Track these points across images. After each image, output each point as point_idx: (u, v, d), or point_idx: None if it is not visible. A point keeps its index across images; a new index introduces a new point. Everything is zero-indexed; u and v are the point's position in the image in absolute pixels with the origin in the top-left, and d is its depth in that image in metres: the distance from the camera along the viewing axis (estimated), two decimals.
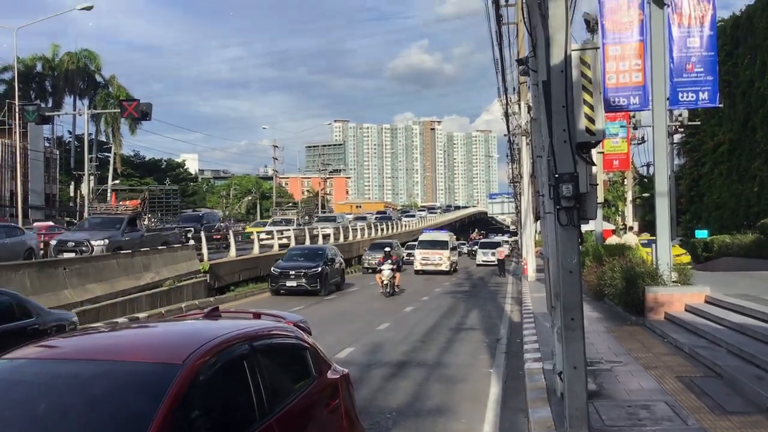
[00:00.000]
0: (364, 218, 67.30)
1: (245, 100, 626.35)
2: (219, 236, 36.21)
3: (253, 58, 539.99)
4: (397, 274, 27.11)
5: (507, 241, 71.46)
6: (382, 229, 58.13)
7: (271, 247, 33.83)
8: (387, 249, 28.20)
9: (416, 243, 43.71)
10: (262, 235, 34.36)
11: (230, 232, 33.34)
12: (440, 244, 41.50)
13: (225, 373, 4.08)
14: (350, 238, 47.73)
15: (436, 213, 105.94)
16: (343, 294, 27.58)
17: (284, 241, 36.36)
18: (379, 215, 79.57)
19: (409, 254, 45.91)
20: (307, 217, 66.06)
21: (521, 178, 39.39)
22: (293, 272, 26.29)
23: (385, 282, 26.02)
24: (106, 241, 22.90)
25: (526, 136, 31.42)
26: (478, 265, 49.94)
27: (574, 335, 7.07)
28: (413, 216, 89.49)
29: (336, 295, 27.06)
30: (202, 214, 44.68)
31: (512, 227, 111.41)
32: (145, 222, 33.67)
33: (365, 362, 12.71)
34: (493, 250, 47.52)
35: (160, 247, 24.78)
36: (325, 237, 43.04)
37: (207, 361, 3.92)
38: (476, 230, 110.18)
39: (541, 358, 11.27)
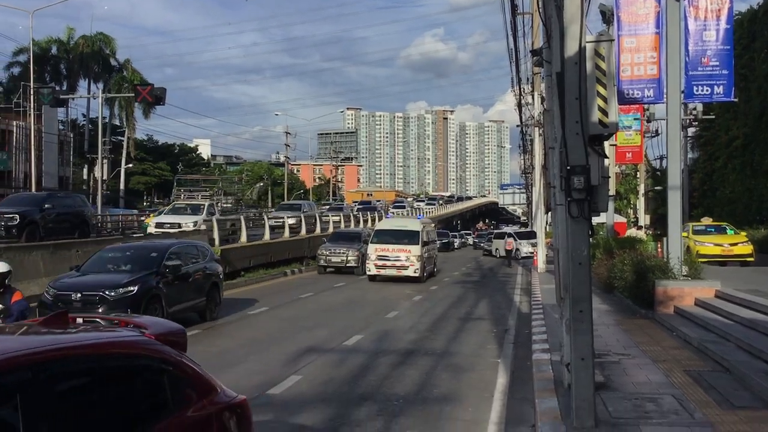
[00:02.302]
0: (340, 208, 58.62)
1: (258, 86, 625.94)
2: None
3: (267, 45, 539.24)
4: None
5: (513, 233, 70.72)
6: (365, 221, 49.38)
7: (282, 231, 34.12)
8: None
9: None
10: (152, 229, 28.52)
11: (241, 217, 33.45)
12: (407, 237, 27.73)
13: None
14: (317, 230, 38.63)
15: (434, 204, 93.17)
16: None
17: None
18: (362, 205, 70.65)
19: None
20: (228, 203, 54.51)
21: (533, 170, 39.27)
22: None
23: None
24: (196, 222, 28.59)
25: (538, 127, 31.32)
26: (501, 256, 47.52)
27: (582, 327, 7.09)
28: (403, 206, 78.33)
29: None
30: (301, 203, 47.51)
31: (523, 218, 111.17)
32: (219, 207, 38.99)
33: (373, 350, 12.79)
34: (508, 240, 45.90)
35: (171, 231, 25.01)
36: (275, 228, 34.01)
37: None
38: (482, 221, 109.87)
39: (550, 349, 11.30)
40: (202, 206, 31.45)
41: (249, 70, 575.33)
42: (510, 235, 48.22)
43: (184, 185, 61.12)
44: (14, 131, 57.44)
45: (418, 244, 27.42)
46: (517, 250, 45.90)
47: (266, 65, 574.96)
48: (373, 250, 27.34)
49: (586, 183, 6.97)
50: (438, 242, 42.45)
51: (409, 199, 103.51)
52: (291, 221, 35.93)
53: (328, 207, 61.67)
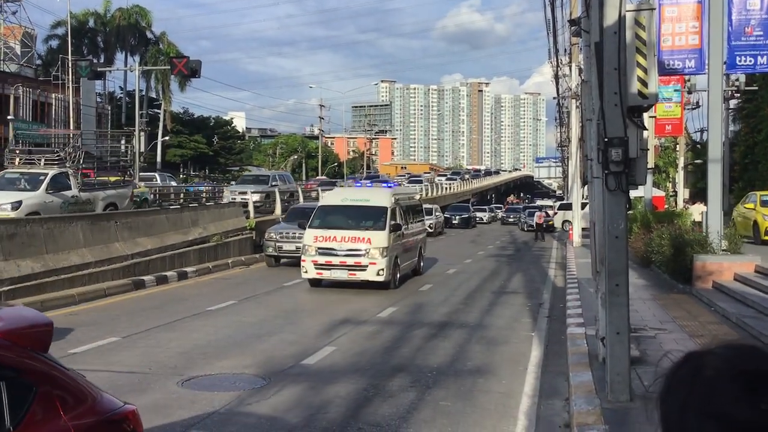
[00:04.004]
0: (333, 183, 51.57)
1: (293, 59, 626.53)
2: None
3: (302, 17, 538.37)
4: None
5: (551, 206, 68.83)
6: None
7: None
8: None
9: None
10: None
11: (276, 190, 33.60)
12: (367, 217, 17.67)
13: None
14: (277, 212, 29.28)
15: (455, 179, 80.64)
16: None
17: None
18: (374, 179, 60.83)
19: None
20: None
21: (569, 142, 38.79)
22: None
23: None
24: (261, 194, 29.83)
25: (575, 99, 30.86)
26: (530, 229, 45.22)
27: (618, 301, 7.03)
28: (420, 181, 64.77)
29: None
30: (269, 174, 40.20)
31: (558, 192, 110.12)
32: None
33: (406, 322, 12.84)
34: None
35: (208, 204, 25.28)
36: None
37: None
38: (513, 195, 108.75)
39: (584, 324, 11.23)
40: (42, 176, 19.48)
41: (284, 43, 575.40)
42: (541, 208, 47.65)
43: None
44: (53, 104, 58.28)
45: (384, 228, 16.90)
46: (551, 224, 45.30)
47: (301, 37, 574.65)
48: (312, 238, 16.89)
49: (624, 155, 6.86)
50: (437, 219, 39.87)
51: (428, 173, 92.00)
52: (255, 197, 29.53)
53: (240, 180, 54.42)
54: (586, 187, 17.05)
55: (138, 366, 9.14)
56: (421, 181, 64.60)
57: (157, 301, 14.88)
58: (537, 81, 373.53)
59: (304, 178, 79.79)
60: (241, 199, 29.92)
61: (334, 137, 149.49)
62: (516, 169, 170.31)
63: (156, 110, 69.04)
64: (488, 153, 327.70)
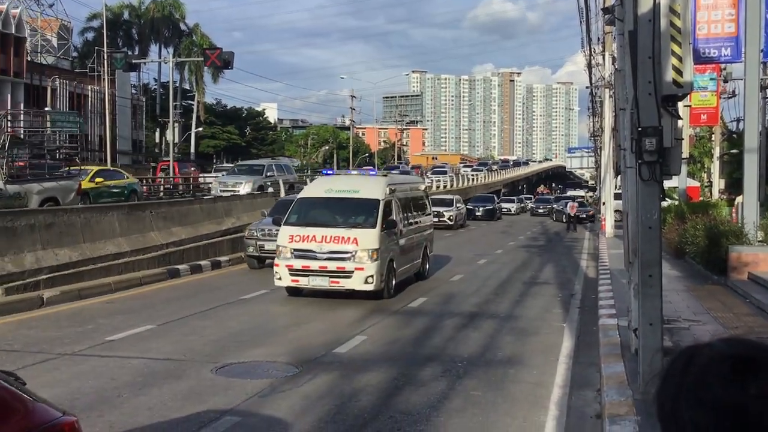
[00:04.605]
0: (444, 171, 53.73)
1: (325, 50, 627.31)
2: None
3: (333, 7, 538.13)
4: None
5: (583, 196, 67.82)
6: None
7: None
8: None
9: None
10: None
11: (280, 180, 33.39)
12: (355, 211, 14.68)
13: None
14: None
15: (482, 170, 77.36)
16: None
17: None
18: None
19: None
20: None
21: (602, 132, 38.36)
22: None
23: None
24: (254, 185, 27.91)
25: (609, 89, 30.49)
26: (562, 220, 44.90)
27: (651, 292, 6.99)
28: (444, 172, 63.38)
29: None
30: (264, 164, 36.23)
31: (591, 182, 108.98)
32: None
33: (437, 312, 12.88)
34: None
35: (241, 194, 25.61)
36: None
37: None
38: (543, 185, 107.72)
39: (616, 315, 11.16)
40: None
41: (315, 34, 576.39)
42: (574, 198, 47.15)
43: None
44: (89, 95, 59.12)
45: (375, 226, 13.93)
46: (591, 215, 44.85)
47: (332, 28, 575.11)
48: (286, 238, 14.00)
49: (658, 145, 6.79)
50: (459, 211, 37.45)
51: (454, 164, 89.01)
52: (246, 190, 27.13)
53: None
54: (619, 177, 16.89)
55: (173, 353, 9.31)
56: (445, 172, 62.72)
57: (192, 290, 15.10)
58: (569, 70, 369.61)
59: (335, 168, 79.99)
60: (231, 192, 26.49)
61: (365, 128, 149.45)
62: (547, 160, 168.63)
63: (190, 101, 69.69)
64: (520, 143, 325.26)
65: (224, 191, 27.07)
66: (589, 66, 36.52)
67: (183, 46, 65.47)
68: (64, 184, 19.58)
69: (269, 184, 28.49)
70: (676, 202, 23.77)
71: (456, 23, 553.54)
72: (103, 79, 48.16)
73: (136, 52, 62.67)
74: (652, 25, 6.85)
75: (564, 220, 43.29)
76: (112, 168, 27.16)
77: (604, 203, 34.72)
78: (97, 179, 22.55)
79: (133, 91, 66.60)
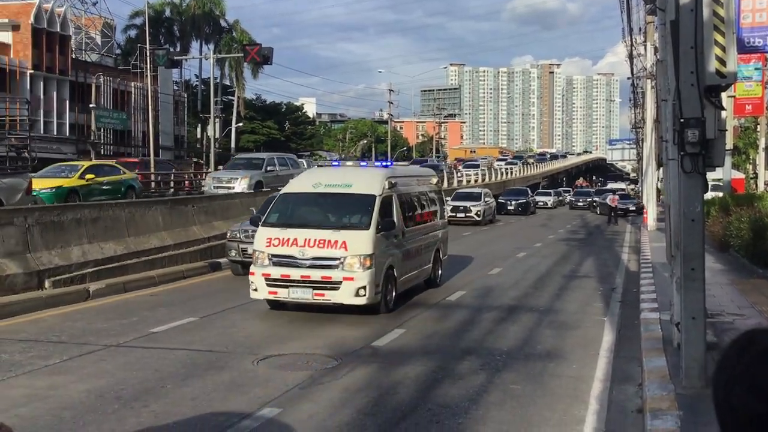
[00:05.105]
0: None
1: (362, 44, 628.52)
2: None
3: (371, 1, 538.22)
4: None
5: (623, 189, 66.41)
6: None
7: None
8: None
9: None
10: None
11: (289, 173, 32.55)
12: (346, 210, 12.52)
13: None
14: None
15: (516, 164, 73.49)
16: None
17: None
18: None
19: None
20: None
21: (644, 124, 37.77)
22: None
23: None
24: (251, 181, 26.12)
25: (651, 79, 30.01)
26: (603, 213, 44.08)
27: (693, 285, 6.90)
28: (477, 166, 61.08)
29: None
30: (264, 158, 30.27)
31: (632, 175, 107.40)
32: None
33: (475, 305, 12.86)
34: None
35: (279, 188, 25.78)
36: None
37: None
38: (582, 178, 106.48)
39: (658, 309, 11.02)
40: None
41: (353, 28, 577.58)
42: (614, 191, 46.44)
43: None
44: (132, 92, 60.08)
45: (369, 227, 11.74)
46: (633, 206, 44.18)
47: (369, 22, 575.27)
48: (264, 242, 11.85)
49: (701, 136, 6.70)
50: (487, 206, 34.98)
51: (488, 158, 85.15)
52: (242, 186, 24.08)
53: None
54: (661, 169, 16.62)
55: (215, 345, 9.46)
56: (477, 166, 60.46)
57: (233, 283, 15.30)
58: (610, 61, 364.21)
59: (373, 162, 80.00)
60: (226, 189, 23.78)
61: (403, 121, 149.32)
62: (586, 152, 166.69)
63: (230, 97, 70.42)
64: (559, 136, 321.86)
65: (219, 188, 24.27)
66: (631, 57, 36.01)
67: (223, 42, 66.15)
68: (11, 182, 16.48)
69: (270, 179, 24.79)
70: (720, 195, 23.33)
71: (494, 15, 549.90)
72: (146, 75, 48.89)
73: (178, 49, 63.54)
74: (695, 15, 6.74)
75: (605, 213, 42.10)
76: (107, 163, 25.07)
77: (646, 196, 34.24)
78: (88, 176, 20.98)
79: (175, 88, 67.51)
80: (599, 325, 11.34)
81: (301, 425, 6.46)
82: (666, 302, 10.66)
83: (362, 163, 15.29)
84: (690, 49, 6.75)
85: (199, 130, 64.91)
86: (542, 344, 9.92)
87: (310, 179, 13.46)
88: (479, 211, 33.65)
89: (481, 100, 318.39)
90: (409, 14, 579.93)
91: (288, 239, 11.55)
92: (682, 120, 6.76)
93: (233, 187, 23.85)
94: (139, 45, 55.43)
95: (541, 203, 52.57)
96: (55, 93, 53.87)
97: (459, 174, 51.48)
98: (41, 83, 53.29)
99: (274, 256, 11.55)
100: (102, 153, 52.73)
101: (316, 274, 11.27)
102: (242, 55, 40.70)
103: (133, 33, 64.68)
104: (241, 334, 10.21)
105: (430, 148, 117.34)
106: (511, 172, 63.70)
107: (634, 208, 44.55)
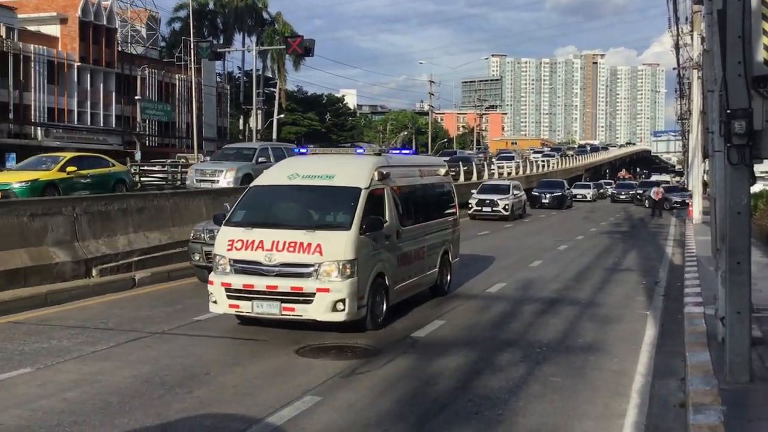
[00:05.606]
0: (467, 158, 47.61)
1: (404, 35, 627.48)
2: None
3: None
4: None
5: (668, 181, 65.02)
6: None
7: None
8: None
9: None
10: None
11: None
12: (326, 206, 10.56)
13: None
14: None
15: (554, 156, 70.38)
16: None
17: None
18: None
19: None
20: None
21: (690, 115, 37.09)
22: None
23: None
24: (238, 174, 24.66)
25: (697, 70, 29.42)
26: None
27: (739, 279, 6.79)
28: (511, 158, 59.45)
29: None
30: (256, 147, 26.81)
31: (678, 167, 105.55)
32: None
33: (516, 298, 12.81)
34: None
35: None
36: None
37: None
38: (626, 170, 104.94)
39: (703, 303, 10.85)
40: None
41: (395, 19, 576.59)
42: (658, 184, 45.64)
43: None
44: (176, 84, 60.93)
45: (350, 227, 9.78)
46: (679, 200, 43.28)
47: (411, 13, 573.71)
48: (226, 243, 9.94)
49: (748, 127, 6.57)
50: (516, 199, 32.85)
51: (524, 150, 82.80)
52: (227, 180, 21.40)
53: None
54: (707, 161, 16.33)
55: (257, 334, 9.59)
56: (512, 158, 58.51)
57: None
58: (656, 51, 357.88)
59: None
60: (209, 183, 21.47)
61: (443, 113, 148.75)
62: (630, 144, 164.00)
63: (272, 89, 71.01)
64: (602, 127, 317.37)
65: (201, 181, 21.80)
66: (677, 46, 35.35)
67: (265, 34, 66.69)
68: None
69: (262, 172, 21.60)
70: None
71: (537, 5, 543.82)
72: (190, 68, 49.59)
73: (221, 41, 64.26)
74: (742, 4, 6.60)
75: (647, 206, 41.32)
76: (93, 155, 23.33)
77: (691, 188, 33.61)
78: (69, 168, 19.01)
79: (218, 80, 68.30)
80: (642, 318, 11.21)
81: (340, 414, 6.54)
82: (711, 296, 10.49)
83: (359, 150, 12.46)
84: (737, 38, 6.62)
85: (241, 121, 65.62)
86: (583, 337, 9.86)
87: (286, 169, 11.35)
88: (507, 205, 31.55)
89: (522, 91, 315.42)
90: (452, 5, 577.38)
91: (253, 241, 9.63)
92: (728, 111, 6.64)
93: (217, 181, 21.38)
94: (183, 37, 56.19)
95: (579, 196, 50.73)
96: (101, 85, 54.94)
97: (492, 167, 48.81)
98: (88, 75, 54.37)
99: (235, 261, 9.64)
100: (147, 144, 53.67)
101: (285, 284, 9.29)
102: (284, 47, 40.95)
103: (177, 25, 65.59)
104: (283, 324, 10.33)
105: (470, 140, 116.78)
106: (547, 165, 61.49)
107: (688, 201, 43.67)
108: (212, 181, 21.49)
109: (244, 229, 9.86)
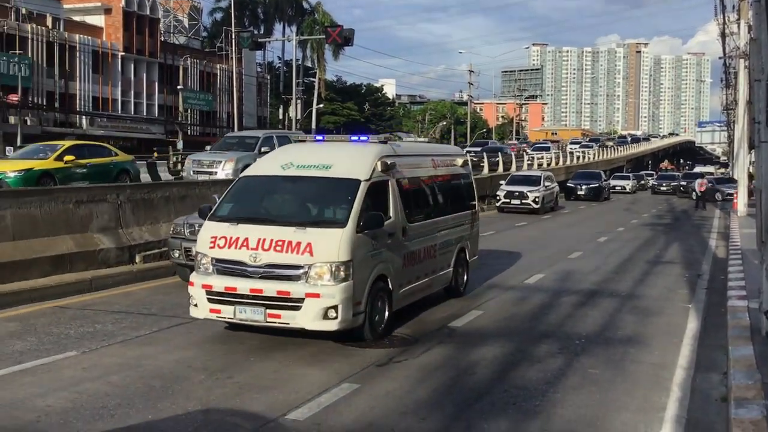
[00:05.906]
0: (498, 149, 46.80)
1: (443, 24, 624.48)
2: None
3: None
4: None
5: (712, 173, 63.41)
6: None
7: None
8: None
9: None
10: None
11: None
12: (320, 199, 9.37)
13: None
14: None
15: (592, 146, 68.64)
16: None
17: None
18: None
19: None
20: None
21: (736, 105, 36.29)
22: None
23: None
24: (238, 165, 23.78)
25: (744, 59, 28.77)
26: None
27: None
28: (547, 148, 57.83)
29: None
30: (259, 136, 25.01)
31: (723, 158, 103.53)
32: None
33: (554, 289, 12.73)
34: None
35: None
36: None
37: None
38: (668, 161, 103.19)
39: (747, 296, 10.66)
40: None
41: (434, 8, 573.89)
42: (703, 175, 44.68)
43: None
44: (218, 74, 61.58)
45: (345, 223, 8.55)
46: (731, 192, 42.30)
47: (451, 2, 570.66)
48: (208, 240, 8.82)
49: None
50: (548, 191, 31.46)
51: (565, 140, 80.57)
52: (226, 171, 20.03)
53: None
54: (753, 152, 15.99)
55: None
56: (548, 149, 56.88)
57: None
58: (701, 40, 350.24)
59: (452, 143, 79.72)
60: (207, 174, 20.11)
61: (483, 103, 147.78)
62: (673, 134, 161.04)
63: (311, 79, 71.35)
64: (645, 117, 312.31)
65: (199, 173, 20.53)
66: (723, 35, 34.60)
67: (305, 24, 66.95)
68: None
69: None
70: None
71: None
72: (231, 58, 50.09)
73: (261, 31, 64.72)
74: None
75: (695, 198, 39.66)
76: (94, 143, 22.34)
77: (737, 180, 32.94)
78: (67, 157, 18.09)
79: (259, 70, 68.84)
80: (683, 311, 11.07)
81: (378, 402, 6.59)
82: (755, 290, 10.31)
83: (362, 138, 10.79)
84: None
85: (281, 111, 66.05)
86: (623, 330, 9.77)
87: (280, 158, 10.19)
88: (537, 197, 29.92)
89: (563, 80, 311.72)
90: None
91: (237, 239, 8.58)
92: None
93: (215, 172, 20.07)
94: (224, 28, 56.77)
95: (618, 188, 49.57)
96: (144, 75, 55.79)
97: (528, 158, 47.10)
98: (132, 65, 55.24)
99: (218, 261, 8.63)
100: (188, 133, 54.41)
101: (271, 288, 8.24)
102: (324, 36, 41.09)
103: (218, 16, 66.23)
104: None
105: (510, 131, 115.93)
106: (585, 156, 59.72)
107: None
108: (210, 173, 20.21)
109: (230, 224, 8.82)
